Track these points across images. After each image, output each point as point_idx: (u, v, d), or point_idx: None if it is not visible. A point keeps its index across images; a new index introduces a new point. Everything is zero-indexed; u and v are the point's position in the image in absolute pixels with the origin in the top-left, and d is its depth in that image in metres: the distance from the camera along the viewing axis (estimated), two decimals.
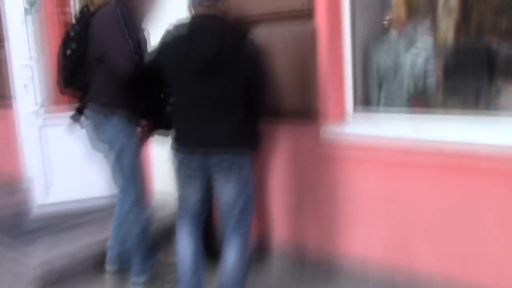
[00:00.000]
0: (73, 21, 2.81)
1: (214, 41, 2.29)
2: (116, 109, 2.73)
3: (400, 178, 2.78)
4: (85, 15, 2.75)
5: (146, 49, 2.76)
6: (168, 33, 2.48)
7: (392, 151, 2.77)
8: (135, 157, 2.85)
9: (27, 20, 3.96)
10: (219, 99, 2.39)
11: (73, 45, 2.71)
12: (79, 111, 2.86)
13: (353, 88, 3.07)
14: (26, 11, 3.97)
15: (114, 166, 2.83)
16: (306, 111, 3.05)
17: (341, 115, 3.07)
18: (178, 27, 2.44)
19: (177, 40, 2.38)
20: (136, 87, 2.70)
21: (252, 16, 2.97)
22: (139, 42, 2.68)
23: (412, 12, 3.08)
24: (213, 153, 2.44)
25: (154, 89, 2.71)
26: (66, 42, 2.75)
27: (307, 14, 2.95)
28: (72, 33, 2.73)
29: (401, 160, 2.74)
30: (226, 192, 2.50)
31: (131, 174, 2.84)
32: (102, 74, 2.70)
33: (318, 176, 3.07)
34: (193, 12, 2.43)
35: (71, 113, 2.91)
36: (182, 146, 2.51)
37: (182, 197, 2.63)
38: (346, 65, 3.05)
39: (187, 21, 2.41)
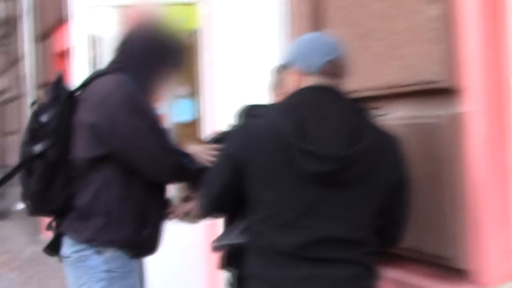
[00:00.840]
0: (40, 98, 1.93)
1: (344, 133, 1.40)
2: (115, 234, 1.72)
3: None
4: (65, 91, 1.76)
5: None
6: (252, 116, 1.59)
7: None
8: None
9: None
10: (345, 223, 1.42)
11: (47, 142, 1.71)
12: (56, 241, 1.84)
13: None
14: None
15: None
16: (442, 259, 1.71)
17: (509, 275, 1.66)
18: (275, 108, 1.55)
19: (278, 127, 1.40)
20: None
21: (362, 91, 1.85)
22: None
23: None
24: None
25: None
26: (33, 133, 1.75)
27: (449, 90, 1.69)
28: (43, 120, 1.73)
29: None
30: None
31: None
32: (100, 180, 1.72)
33: None
34: (306, 80, 1.50)
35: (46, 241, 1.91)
36: None
37: None
38: None
39: (291, 98, 1.50)
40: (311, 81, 1.49)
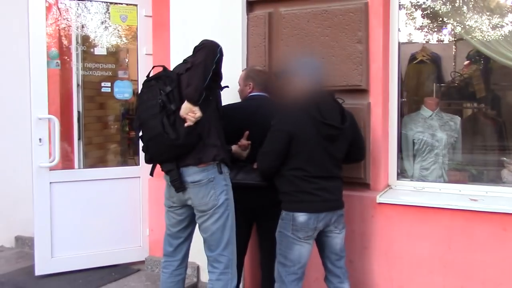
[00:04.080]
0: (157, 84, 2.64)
1: (337, 114, 2.74)
2: (223, 155, 2.72)
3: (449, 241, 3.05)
4: (173, 72, 2.69)
5: None
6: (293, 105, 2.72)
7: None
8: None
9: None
10: (336, 158, 2.76)
11: (177, 102, 2.59)
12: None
13: (397, 160, 3.36)
14: (48, 64, 3.88)
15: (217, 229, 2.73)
16: (359, 179, 3.27)
17: (386, 185, 3.34)
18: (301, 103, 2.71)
19: (309, 111, 2.66)
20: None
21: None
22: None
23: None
24: (337, 208, 2.77)
25: None
26: (168, 97, 2.58)
27: (364, 90, 3.24)
28: (168, 89, 2.60)
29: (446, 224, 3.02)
30: (338, 242, 2.81)
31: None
32: (208, 121, 2.67)
33: (369, 237, 3.24)
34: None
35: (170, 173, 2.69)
36: (310, 206, 2.67)
37: (293, 261, 2.71)
38: (392, 139, 3.35)
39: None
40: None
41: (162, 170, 2.75)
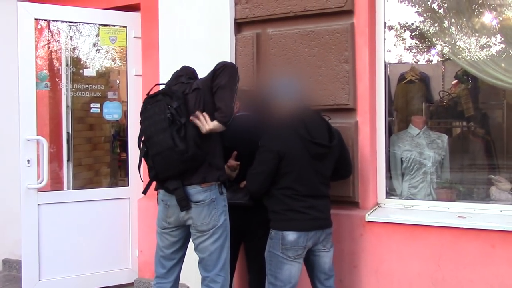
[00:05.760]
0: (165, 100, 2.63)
1: (325, 132, 2.75)
2: (224, 176, 2.74)
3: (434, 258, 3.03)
4: (178, 90, 2.69)
5: None
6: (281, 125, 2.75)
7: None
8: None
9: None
10: (325, 176, 2.78)
11: (184, 117, 2.60)
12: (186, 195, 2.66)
13: (385, 178, 3.37)
14: (37, 85, 3.89)
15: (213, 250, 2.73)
16: (347, 197, 3.26)
17: (375, 203, 3.34)
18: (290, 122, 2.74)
19: (297, 130, 2.67)
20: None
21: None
22: None
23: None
24: (326, 226, 2.76)
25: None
26: (175, 111, 2.58)
27: (352, 109, 3.26)
28: (175, 105, 2.59)
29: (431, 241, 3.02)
30: (327, 261, 2.78)
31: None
32: (212, 143, 2.70)
33: (358, 255, 3.23)
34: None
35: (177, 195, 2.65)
36: (300, 225, 2.66)
37: (284, 280, 2.67)
38: (381, 157, 3.36)
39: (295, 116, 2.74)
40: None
41: (163, 188, 2.74)
